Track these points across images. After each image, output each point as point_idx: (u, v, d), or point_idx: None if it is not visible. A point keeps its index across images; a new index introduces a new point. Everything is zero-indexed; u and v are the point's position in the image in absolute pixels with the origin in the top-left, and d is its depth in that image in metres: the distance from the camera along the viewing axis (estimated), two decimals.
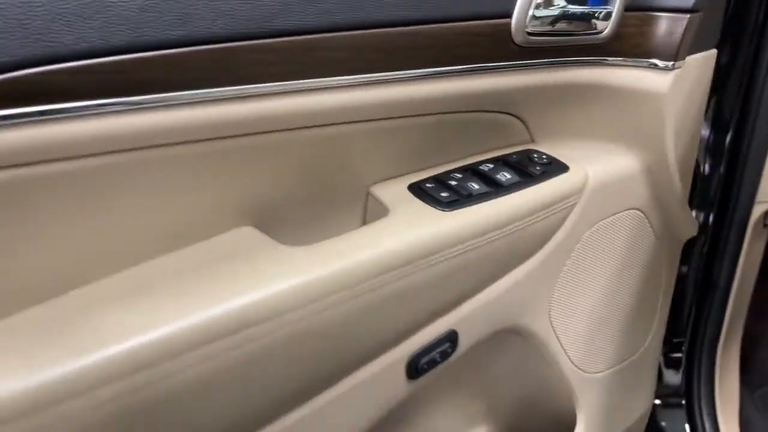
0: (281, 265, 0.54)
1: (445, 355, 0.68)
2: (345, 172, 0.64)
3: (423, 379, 0.68)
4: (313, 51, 0.52)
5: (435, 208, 0.64)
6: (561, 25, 0.68)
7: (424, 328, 0.66)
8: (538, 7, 0.65)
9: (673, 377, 1.19)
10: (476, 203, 0.65)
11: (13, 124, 0.41)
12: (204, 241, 0.55)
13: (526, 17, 0.64)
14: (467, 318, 0.69)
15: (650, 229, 0.87)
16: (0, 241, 0.44)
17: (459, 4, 0.60)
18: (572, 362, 0.86)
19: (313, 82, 0.53)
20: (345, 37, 0.53)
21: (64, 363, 0.42)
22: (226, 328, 0.48)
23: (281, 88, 0.51)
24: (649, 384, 1.05)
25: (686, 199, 0.90)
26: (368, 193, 0.67)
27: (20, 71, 0.40)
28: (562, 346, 0.83)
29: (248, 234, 0.57)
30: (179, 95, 0.47)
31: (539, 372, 0.87)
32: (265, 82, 0.50)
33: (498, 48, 0.64)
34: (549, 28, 0.67)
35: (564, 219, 0.74)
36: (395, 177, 0.69)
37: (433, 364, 0.67)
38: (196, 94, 0.48)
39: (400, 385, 0.66)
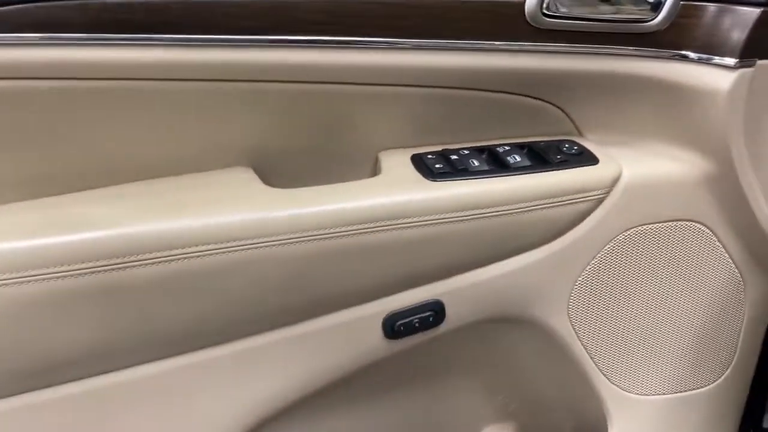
0: (255, 198, 0.61)
1: (426, 324, 0.70)
2: (355, 133, 0.69)
3: (402, 344, 0.71)
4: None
5: (423, 176, 0.66)
6: (598, 10, 0.65)
7: (405, 292, 0.68)
8: None
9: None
10: (467, 179, 0.66)
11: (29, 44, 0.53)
12: (200, 173, 0.65)
13: None
14: (457, 293, 0.70)
15: (721, 248, 0.79)
16: (11, 142, 0.57)
17: None
18: (605, 375, 0.82)
19: (324, 38, 0.59)
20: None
21: (57, 236, 0.54)
22: (184, 239, 0.57)
23: (290, 42, 0.58)
24: (726, 423, 0.93)
25: None
26: (377, 158, 0.71)
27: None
28: (589, 352, 0.79)
29: (241, 173, 0.65)
30: (187, 37, 0.57)
31: (568, 377, 0.84)
32: (278, 34, 0.58)
33: (508, 27, 0.64)
34: (580, 11, 0.65)
35: (587, 213, 0.71)
36: (412, 147, 0.72)
37: (411, 328, 0.69)
38: (207, 38, 0.57)
39: (377, 341, 0.69)
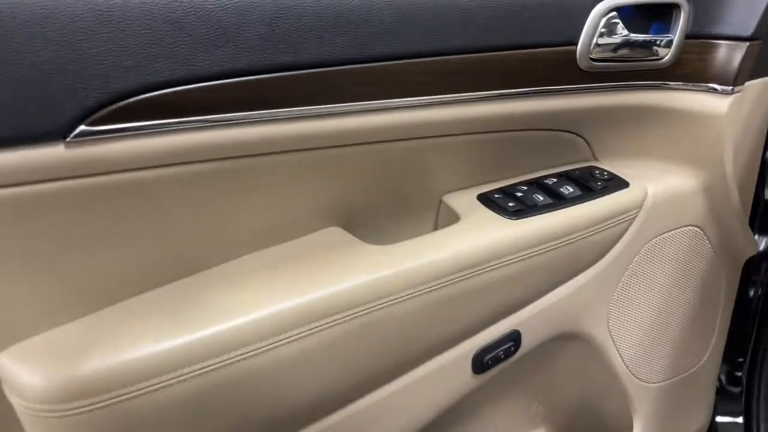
0: (363, 261, 0.61)
1: (508, 353, 0.74)
2: (420, 181, 0.72)
3: (487, 375, 0.74)
4: (395, 74, 0.59)
5: (502, 216, 0.70)
6: (623, 52, 0.73)
7: (490, 327, 0.72)
8: (602, 35, 0.71)
9: (735, 395, 1.20)
10: (540, 213, 0.71)
11: (153, 133, 0.50)
12: (297, 239, 0.64)
13: (590, 44, 0.70)
14: (529, 320, 0.75)
15: (708, 246, 0.91)
16: (132, 231, 0.53)
17: (528, 33, 0.67)
18: (629, 370, 0.90)
19: (395, 101, 0.61)
20: (425, 63, 0.60)
21: (180, 336, 0.50)
22: (311, 314, 0.56)
23: (366, 106, 0.59)
24: (707, 399, 1.07)
25: (746, 219, 0.93)
26: (441, 202, 0.74)
27: (166, 89, 0.49)
28: (619, 353, 0.88)
29: (336, 233, 0.65)
30: (283, 111, 0.56)
31: (597, 378, 0.91)
32: (357, 101, 0.58)
33: (564, 73, 0.70)
34: (612, 54, 0.73)
35: (623, 231, 0.79)
36: (465, 188, 0.76)
37: (497, 360, 0.73)
38: (299, 110, 0.56)
39: (466, 378, 0.72)
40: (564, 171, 0.80)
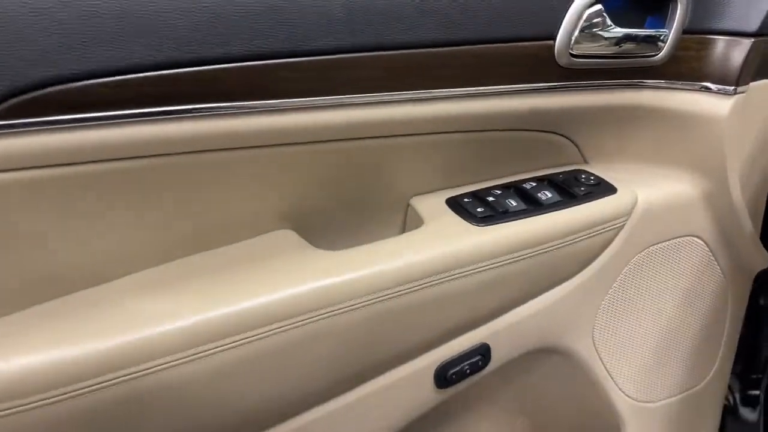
0: (310, 267, 0.58)
1: (475, 368, 0.69)
2: (386, 182, 0.67)
3: (454, 390, 0.70)
4: (342, 70, 0.55)
5: (468, 222, 0.65)
6: (610, 48, 0.68)
7: (454, 339, 0.67)
8: (584, 30, 0.65)
9: (750, 415, 1.12)
10: (510, 220, 0.66)
11: (59, 129, 0.47)
12: (245, 240, 0.60)
13: (570, 39, 0.65)
14: (500, 333, 0.70)
15: (712, 258, 0.85)
16: (49, 232, 0.50)
17: (500, 26, 0.62)
18: (620, 389, 0.85)
19: (344, 98, 0.57)
20: (376, 57, 0.56)
21: (83, 344, 0.47)
22: (246, 323, 0.52)
23: (311, 103, 0.55)
24: (713, 418, 1.00)
25: (757, 231, 0.86)
26: (408, 205, 0.70)
27: (70, 84, 0.46)
28: (607, 370, 0.82)
29: (286, 237, 0.62)
30: (216, 106, 0.53)
31: (587, 396, 0.86)
32: (296, 98, 0.55)
33: (541, 70, 0.65)
34: (596, 50, 0.67)
35: (610, 240, 0.73)
36: (439, 190, 0.71)
37: (462, 375, 0.68)
38: (233, 106, 0.53)
39: (428, 393, 0.68)
40: (547, 175, 0.75)
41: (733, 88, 0.71)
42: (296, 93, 0.54)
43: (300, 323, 0.55)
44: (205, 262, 0.57)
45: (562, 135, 0.75)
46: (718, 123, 0.72)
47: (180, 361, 0.50)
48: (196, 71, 0.49)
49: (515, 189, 0.72)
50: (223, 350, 0.52)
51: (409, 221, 0.70)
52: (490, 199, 0.69)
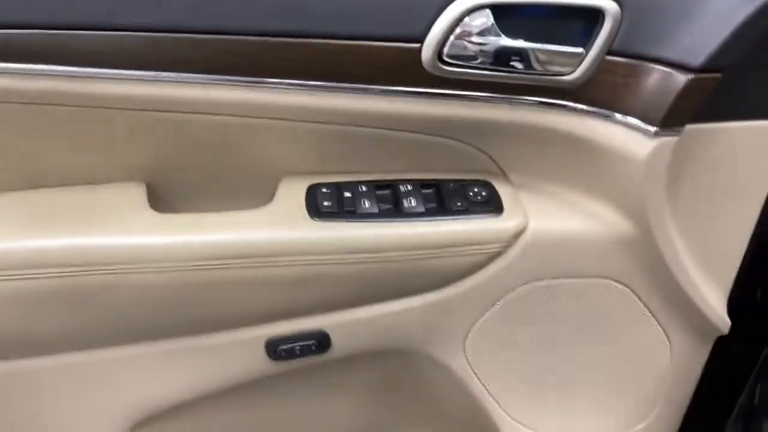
0: (134, 222, 0.63)
1: (307, 350, 0.71)
2: (256, 159, 0.68)
3: (288, 365, 0.73)
4: (164, 48, 0.58)
5: (308, 214, 0.65)
6: (502, 60, 0.61)
7: (285, 320, 0.70)
8: (462, 37, 0.59)
9: None
10: (352, 221, 0.65)
11: None
12: (92, 185, 0.67)
13: (442, 45, 0.59)
14: (343, 325, 0.71)
15: (643, 308, 0.76)
16: None
17: (359, 23, 0.59)
18: (507, 414, 0.81)
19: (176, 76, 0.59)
20: (194, 40, 0.57)
21: None
22: (50, 258, 0.60)
23: (127, 75, 0.58)
24: None
25: (711, 290, 0.75)
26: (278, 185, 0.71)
27: None
28: (489, 391, 0.79)
29: (130, 190, 0.66)
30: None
31: (465, 407, 0.83)
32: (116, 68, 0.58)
33: (405, 73, 0.61)
34: (483, 60, 0.61)
35: (481, 264, 0.69)
36: (318, 174, 0.71)
37: (292, 353, 0.71)
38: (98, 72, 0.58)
39: (259, 361, 0.72)
40: (438, 180, 0.71)
41: (656, 129, 0.61)
42: (110, 64, 0.58)
43: (106, 271, 0.61)
44: (39, 198, 0.65)
45: (472, 145, 0.70)
46: (635, 164, 0.63)
47: None
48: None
49: (389, 189, 0.69)
50: (28, 279, 0.60)
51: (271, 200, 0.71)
52: (347, 195, 0.67)
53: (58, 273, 0.60)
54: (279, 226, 0.64)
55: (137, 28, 0.57)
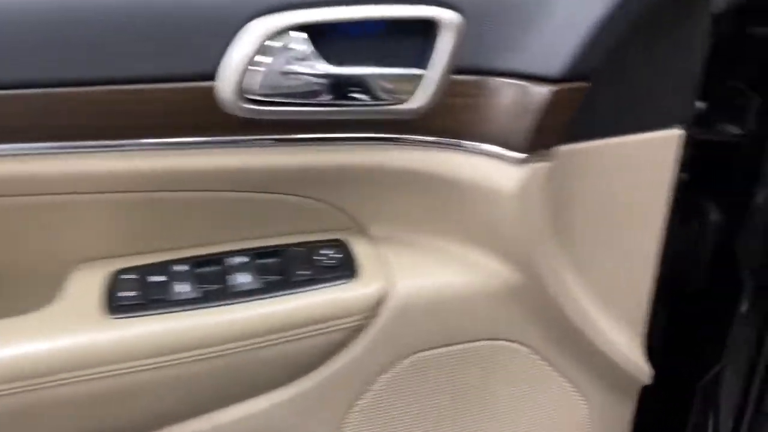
0: None
1: None
2: (45, 244, 0.54)
3: None
4: None
5: (105, 309, 0.51)
6: (324, 92, 0.49)
7: None
8: (265, 68, 0.47)
9: None
10: (161, 312, 0.51)
11: None
12: None
13: (239, 81, 0.47)
14: None
15: (548, 368, 0.64)
16: None
17: (135, 63, 0.46)
18: None
19: None
20: None
21: None
22: None
23: None
24: None
25: (617, 337, 0.64)
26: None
27: None
28: None
29: None
30: None
31: None
32: None
33: (205, 119, 0.49)
34: (299, 95, 0.49)
35: (341, 342, 0.56)
36: (121, 256, 0.56)
37: None
38: None
39: None
40: (276, 245, 0.58)
41: (519, 155, 0.50)
42: None
43: None
44: None
45: (310, 197, 0.57)
46: (504, 199, 0.52)
47: None
48: None
49: (215, 264, 0.55)
50: None
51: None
52: (156, 279, 0.53)
53: None
54: (63, 332, 0.49)
55: None
